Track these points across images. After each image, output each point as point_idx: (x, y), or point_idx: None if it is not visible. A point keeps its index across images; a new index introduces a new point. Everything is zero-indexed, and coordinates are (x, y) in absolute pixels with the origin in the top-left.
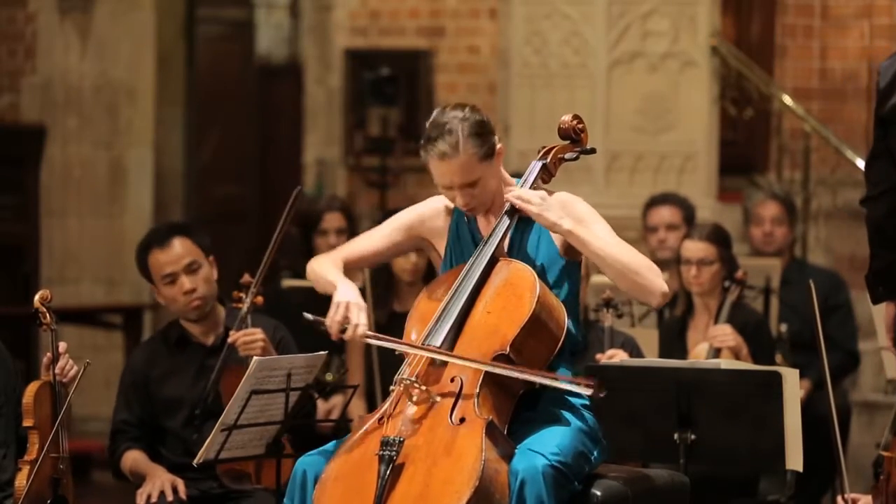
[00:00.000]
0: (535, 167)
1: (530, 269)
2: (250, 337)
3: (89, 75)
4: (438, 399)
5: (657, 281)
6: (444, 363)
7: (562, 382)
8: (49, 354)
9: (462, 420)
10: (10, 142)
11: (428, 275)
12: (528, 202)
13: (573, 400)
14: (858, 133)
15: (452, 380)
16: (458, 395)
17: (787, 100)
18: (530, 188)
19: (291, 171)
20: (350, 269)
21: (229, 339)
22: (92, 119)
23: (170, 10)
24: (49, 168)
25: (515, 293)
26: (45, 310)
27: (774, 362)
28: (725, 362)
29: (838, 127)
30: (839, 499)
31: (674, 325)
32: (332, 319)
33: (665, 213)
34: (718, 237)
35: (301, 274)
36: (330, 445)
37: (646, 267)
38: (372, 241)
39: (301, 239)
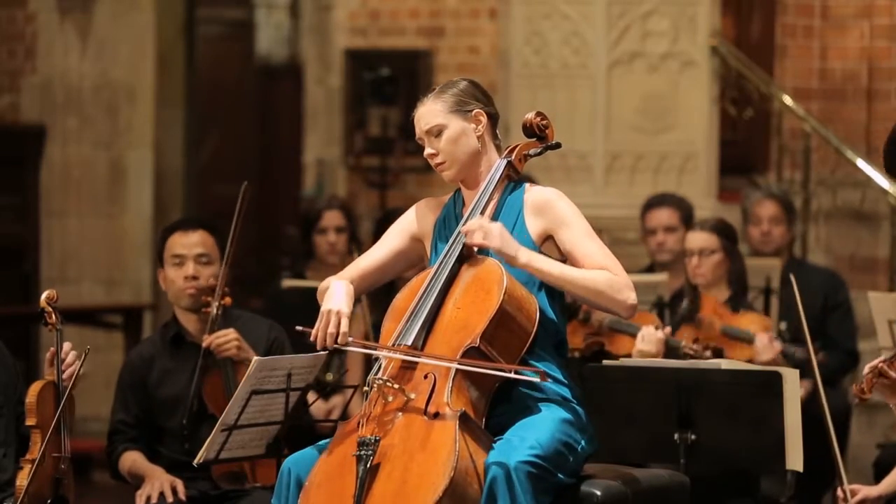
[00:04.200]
0: (501, 165)
1: (498, 263)
2: (223, 338)
3: (89, 75)
4: (413, 396)
5: (619, 297)
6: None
7: (511, 373)
8: (52, 349)
9: (436, 415)
10: (10, 142)
11: None
12: (487, 239)
13: (557, 389)
14: (858, 133)
15: (426, 376)
16: (431, 392)
17: (787, 100)
18: (495, 184)
19: (291, 171)
20: (360, 292)
21: (203, 344)
22: (92, 119)
23: (170, 10)
24: (49, 168)
25: (484, 287)
26: (51, 310)
27: None
28: (726, 362)
29: (838, 127)
30: (839, 490)
31: (679, 323)
32: (316, 330)
33: (663, 216)
34: (721, 229)
35: (301, 274)
36: (316, 445)
37: (607, 286)
38: (373, 255)
39: (301, 238)
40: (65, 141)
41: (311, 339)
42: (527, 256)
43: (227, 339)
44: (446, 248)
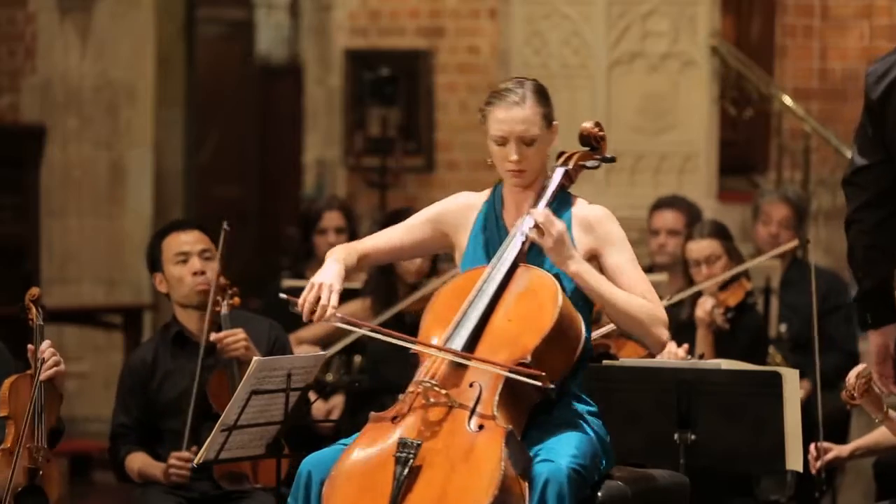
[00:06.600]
0: (558, 174)
1: (552, 277)
2: (232, 337)
3: (89, 75)
4: (457, 404)
5: (654, 332)
6: (464, 367)
7: (511, 373)
8: (31, 346)
9: (481, 427)
10: (10, 142)
11: (432, 276)
12: (546, 236)
13: (581, 408)
14: None
15: (471, 385)
16: (476, 401)
17: (787, 100)
18: (552, 193)
19: (291, 171)
20: (369, 263)
21: (211, 339)
22: (92, 119)
23: (170, 10)
24: (49, 168)
25: (537, 301)
26: (31, 305)
27: (766, 360)
28: (726, 362)
29: (838, 127)
30: (812, 447)
31: (684, 328)
32: (303, 299)
33: (668, 218)
34: (719, 231)
35: (301, 274)
36: (336, 446)
37: (648, 318)
38: (393, 235)
39: (301, 239)
40: (65, 141)
41: (298, 308)
42: (577, 265)
43: (236, 338)
44: (499, 252)
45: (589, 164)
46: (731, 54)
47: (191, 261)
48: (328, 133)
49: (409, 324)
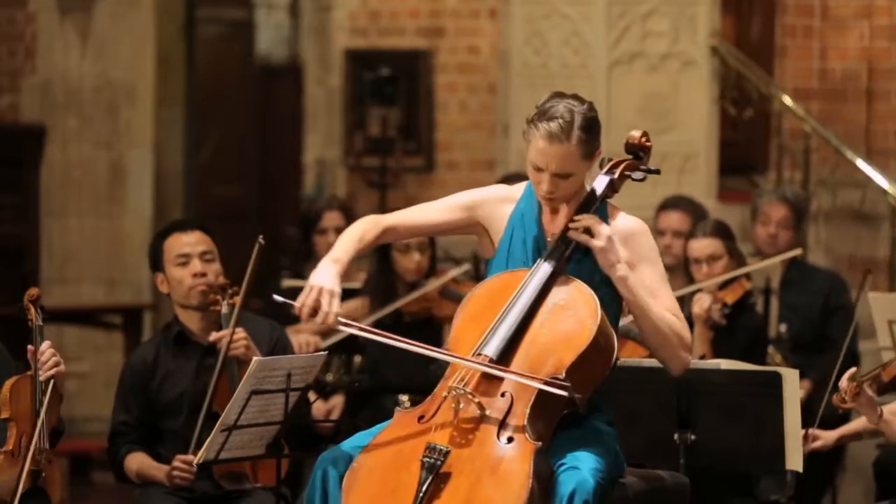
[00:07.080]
0: (603, 182)
1: (592, 292)
2: (233, 336)
3: (89, 75)
4: (487, 413)
5: (680, 354)
6: (498, 376)
7: (538, 383)
8: (31, 347)
9: (510, 440)
10: (10, 142)
11: (430, 276)
12: (596, 237)
13: (601, 418)
14: (858, 133)
15: (503, 395)
16: (507, 412)
17: (787, 100)
18: (597, 203)
19: (291, 171)
20: (392, 238)
21: (211, 338)
22: (92, 119)
23: (170, 10)
24: (49, 168)
25: (577, 316)
26: (30, 305)
27: (765, 361)
28: (725, 362)
29: (838, 127)
30: (801, 432)
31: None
32: (302, 303)
33: (674, 219)
34: (722, 231)
35: (301, 274)
36: (351, 441)
37: (677, 339)
38: (426, 212)
39: (301, 239)
40: (65, 141)
41: (297, 310)
42: (625, 270)
43: (237, 337)
44: (540, 258)
45: (635, 175)
46: (731, 54)
47: (191, 263)
48: (328, 133)
49: (407, 323)
